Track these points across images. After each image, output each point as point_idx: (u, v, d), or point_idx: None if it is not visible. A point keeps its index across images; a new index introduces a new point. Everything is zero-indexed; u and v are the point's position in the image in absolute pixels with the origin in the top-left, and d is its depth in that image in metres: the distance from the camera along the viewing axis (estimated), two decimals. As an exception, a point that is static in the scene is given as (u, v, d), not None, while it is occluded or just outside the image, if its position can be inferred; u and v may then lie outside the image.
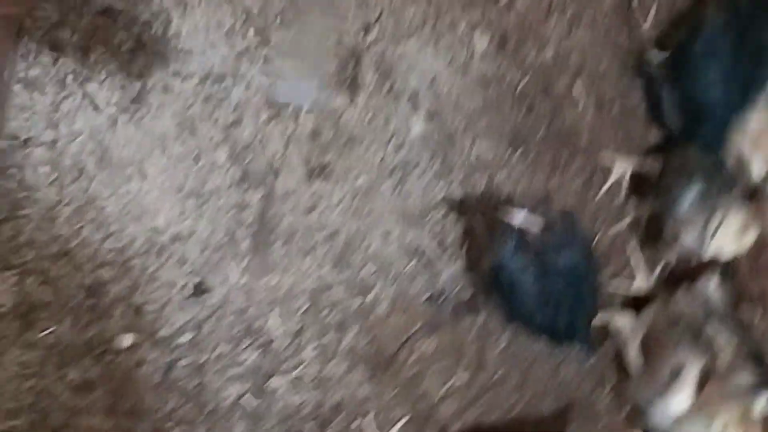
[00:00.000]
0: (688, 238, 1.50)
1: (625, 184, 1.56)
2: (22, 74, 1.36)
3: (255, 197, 1.46)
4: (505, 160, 1.56)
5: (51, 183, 1.39)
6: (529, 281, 1.45)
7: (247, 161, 1.45)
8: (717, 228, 1.47)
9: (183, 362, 1.44)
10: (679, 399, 1.46)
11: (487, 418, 1.59)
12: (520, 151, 1.56)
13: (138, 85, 1.41)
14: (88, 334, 1.41)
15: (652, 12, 1.53)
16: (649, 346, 1.53)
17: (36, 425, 1.37)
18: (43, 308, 1.39)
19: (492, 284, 1.51)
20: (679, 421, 1.47)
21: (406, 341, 1.56)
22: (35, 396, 1.38)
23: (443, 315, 1.56)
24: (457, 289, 1.57)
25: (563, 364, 1.62)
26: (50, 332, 1.39)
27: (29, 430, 1.37)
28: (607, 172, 1.56)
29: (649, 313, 1.53)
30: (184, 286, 1.44)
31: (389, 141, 1.50)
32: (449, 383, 1.58)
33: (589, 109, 1.58)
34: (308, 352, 1.50)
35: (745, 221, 1.47)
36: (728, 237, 1.48)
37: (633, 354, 1.53)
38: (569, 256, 1.48)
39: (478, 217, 1.55)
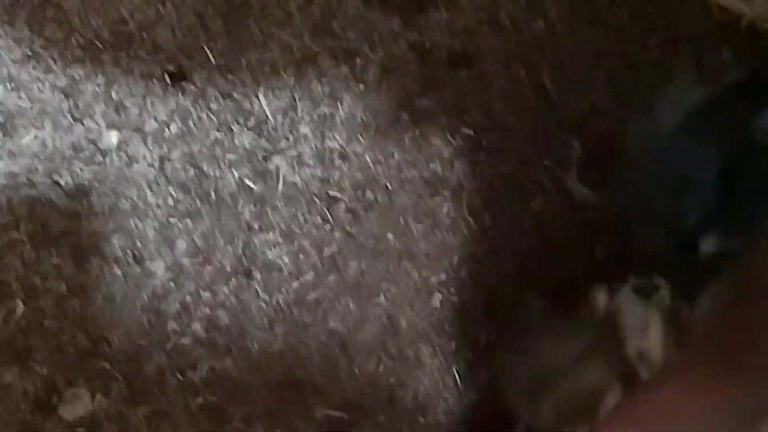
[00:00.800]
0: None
1: None
2: None
3: (218, -28, 1.38)
4: None
5: (0, -12, 1.31)
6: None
7: (201, -67, 1.36)
8: None
9: (176, 154, 1.37)
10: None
11: (499, 169, 1.50)
12: None
13: None
14: (72, 137, 1.34)
15: None
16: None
17: (36, 235, 1.32)
18: (20, 114, 1.32)
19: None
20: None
21: (403, 104, 1.47)
22: (29, 205, 1.32)
23: (437, 70, 1.47)
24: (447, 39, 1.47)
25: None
26: (33, 138, 1.31)
27: (31, 240, 1.31)
28: None
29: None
30: (161, 76, 1.36)
31: None
32: (457, 139, 1.49)
33: None
34: (304, 128, 1.42)
35: None
36: None
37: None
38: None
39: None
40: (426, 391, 1.50)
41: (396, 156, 1.49)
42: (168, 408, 1.40)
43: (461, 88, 1.51)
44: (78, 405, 1.36)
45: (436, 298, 1.50)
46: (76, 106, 1.37)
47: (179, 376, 1.41)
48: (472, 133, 1.52)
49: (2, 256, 1.33)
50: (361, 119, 1.47)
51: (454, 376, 1.51)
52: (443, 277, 1.51)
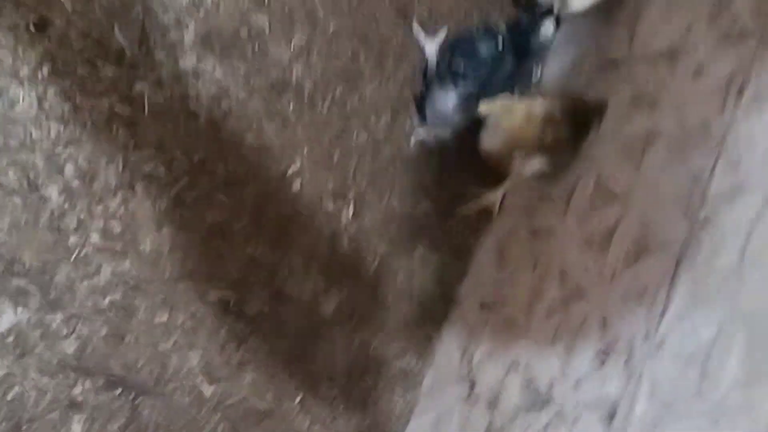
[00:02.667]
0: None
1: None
2: None
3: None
4: None
5: None
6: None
7: None
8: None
9: (51, 93, 1.62)
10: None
11: (333, 64, 1.79)
12: None
13: None
14: (-43, 90, 1.59)
15: None
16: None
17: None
18: None
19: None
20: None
21: (241, 20, 1.74)
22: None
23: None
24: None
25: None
26: None
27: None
28: None
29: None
30: (26, 27, 1.61)
31: None
32: (292, 47, 1.78)
33: None
34: (159, 53, 1.69)
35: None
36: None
37: None
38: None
39: None
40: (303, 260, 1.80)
41: (241, 70, 1.77)
42: (80, 311, 1.67)
43: (289, 2, 1.79)
44: (3, 319, 1.63)
45: (296, 185, 1.80)
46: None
47: (86, 282, 1.67)
48: (304, 39, 1.81)
49: None
50: (207, 38, 1.73)
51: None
52: (298, 165, 1.80)
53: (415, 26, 1.83)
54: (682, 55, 1.63)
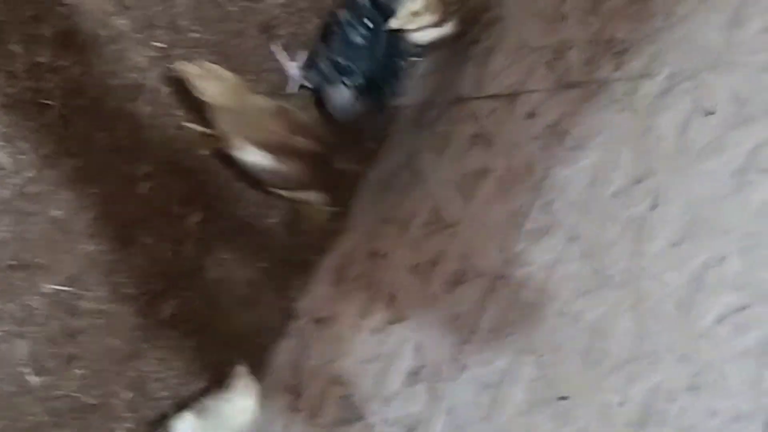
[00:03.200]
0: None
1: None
2: None
3: None
4: None
5: None
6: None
7: None
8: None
9: None
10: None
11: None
12: None
13: None
14: None
15: None
16: None
17: None
18: None
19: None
20: None
21: (101, 21, 1.78)
22: None
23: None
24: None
25: None
26: None
27: None
28: None
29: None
30: None
31: None
32: (151, 52, 1.82)
33: None
34: (13, 46, 1.71)
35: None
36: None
37: None
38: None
39: None
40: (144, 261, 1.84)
41: (105, 68, 1.80)
42: None
43: (150, 7, 1.83)
44: None
45: (144, 187, 1.83)
46: None
47: None
48: (165, 46, 1.85)
49: None
50: (70, 38, 1.77)
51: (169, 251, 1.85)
52: (148, 169, 1.84)
53: (277, 49, 1.88)
54: (520, 98, 1.72)
